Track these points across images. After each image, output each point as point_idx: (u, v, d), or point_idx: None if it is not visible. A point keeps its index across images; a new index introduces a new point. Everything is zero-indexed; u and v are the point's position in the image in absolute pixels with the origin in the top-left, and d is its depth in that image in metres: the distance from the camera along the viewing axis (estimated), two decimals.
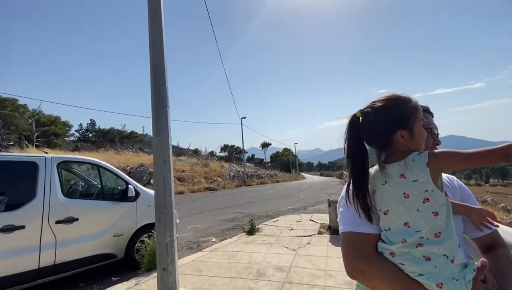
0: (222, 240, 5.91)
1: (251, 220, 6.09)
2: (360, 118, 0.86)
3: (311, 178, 45.99)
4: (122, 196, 4.32)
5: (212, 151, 45.52)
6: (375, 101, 0.86)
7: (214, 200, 13.76)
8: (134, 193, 4.42)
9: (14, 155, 3.57)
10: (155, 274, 3.82)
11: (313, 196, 14.51)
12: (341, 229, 0.89)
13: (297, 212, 9.58)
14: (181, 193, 17.61)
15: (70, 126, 35.57)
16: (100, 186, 4.24)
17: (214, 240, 6.07)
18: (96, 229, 3.95)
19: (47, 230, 3.44)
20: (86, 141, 37.56)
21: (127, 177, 4.56)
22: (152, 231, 4.63)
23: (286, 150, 68.77)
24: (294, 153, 63.93)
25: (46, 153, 8.12)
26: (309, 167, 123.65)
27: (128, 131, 41.55)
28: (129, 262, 4.33)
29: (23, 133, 27.65)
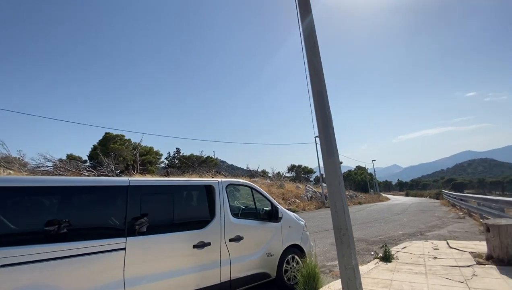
0: None
1: (385, 245, 5.60)
2: None
3: (396, 199, 41.02)
4: (271, 216, 4.55)
5: (279, 172, 45.47)
6: None
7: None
8: (282, 214, 4.62)
9: (198, 180, 4.17)
10: None
11: (419, 220, 12.76)
12: None
13: (414, 238, 8.49)
14: None
15: (161, 155, 40.96)
16: (254, 206, 4.56)
17: None
18: (256, 248, 4.20)
19: (224, 247, 3.80)
20: (173, 167, 42.42)
21: (272, 198, 4.80)
22: (296, 253, 4.70)
23: (359, 168, 63.89)
24: (369, 171, 58.84)
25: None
26: (386, 187, 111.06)
27: (205, 156, 45.39)
28: (280, 283, 4.42)
29: (128, 162, 33.08)
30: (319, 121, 3.42)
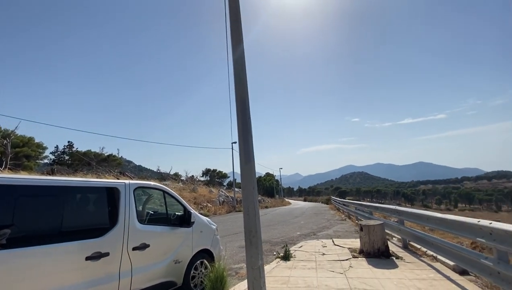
0: None
1: (286, 246, 6.21)
2: None
3: (296, 203, 46.13)
4: (183, 221, 4.37)
5: (193, 176, 44.29)
6: None
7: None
8: (195, 219, 4.49)
9: (98, 181, 3.58)
10: None
11: (313, 222, 14.74)
12: None
13: (309, 238, 9.75)
14: None
15: (45, 148, 33.47)
16: (165, 211, 4.27)
17: None
18: (163, 256, 3.93)
19: (126, 257, 3.41)
20: (62, 164, 35.28)
21: (185, 202, 4.62)
22: (205, 258, 4.66)
23: (268, 174, 69.03)
24: (276, 178, 64.35)
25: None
26: (289, 192, 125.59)
27: (106, 154, 39.75)
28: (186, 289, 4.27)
29: None
30: (239, 128, 3.55)
